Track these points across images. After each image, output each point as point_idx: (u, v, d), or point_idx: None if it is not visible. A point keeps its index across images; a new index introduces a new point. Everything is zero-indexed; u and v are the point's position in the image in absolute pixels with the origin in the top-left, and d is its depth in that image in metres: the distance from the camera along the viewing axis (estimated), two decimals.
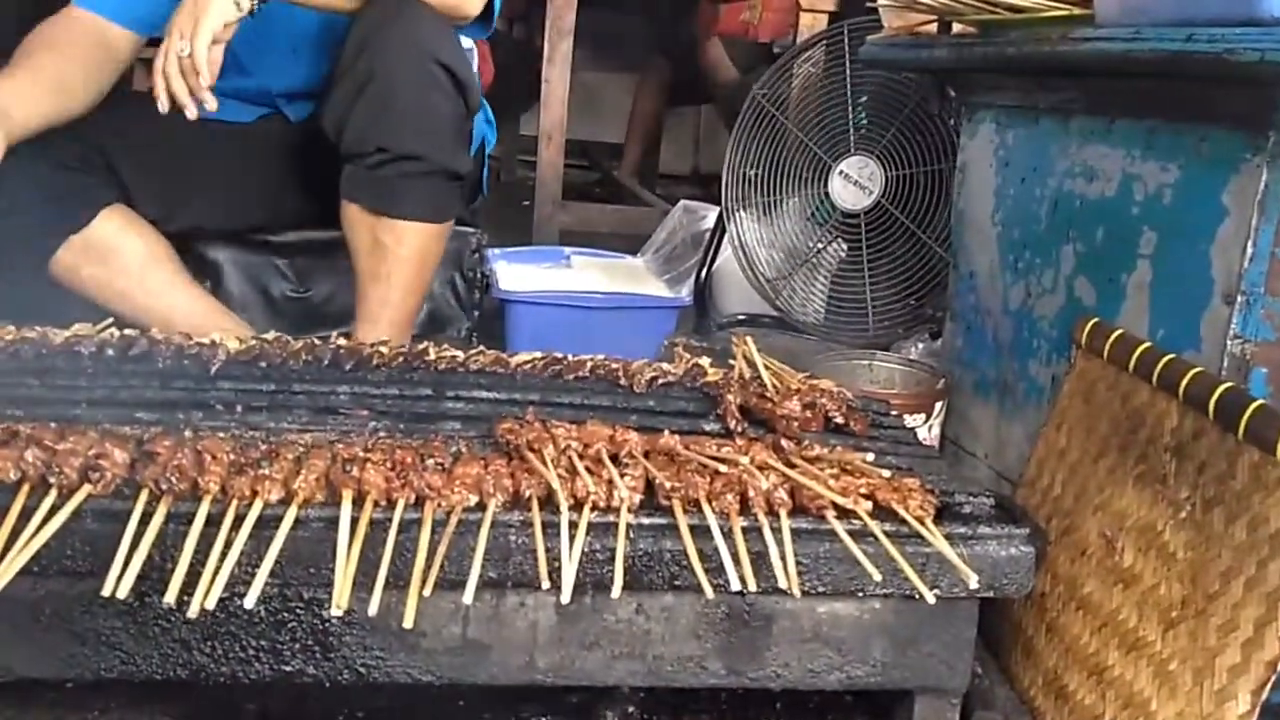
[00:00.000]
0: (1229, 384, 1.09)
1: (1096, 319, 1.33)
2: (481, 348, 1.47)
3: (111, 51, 1.75)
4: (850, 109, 2.27)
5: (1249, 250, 1.16)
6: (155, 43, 1.64)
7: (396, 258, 1.68)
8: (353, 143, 1.64)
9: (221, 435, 1.11)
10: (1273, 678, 0.94)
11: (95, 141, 1.74)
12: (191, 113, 1.54)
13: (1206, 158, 1.23)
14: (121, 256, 1.73)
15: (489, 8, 1.75)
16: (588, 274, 2.48)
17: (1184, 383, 1.12)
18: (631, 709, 1.17)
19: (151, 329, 1.42)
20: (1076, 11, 1.40)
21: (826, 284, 2.37)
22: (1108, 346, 1.27)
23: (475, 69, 2.04)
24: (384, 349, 1.40)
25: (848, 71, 2.27)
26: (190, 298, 1.80)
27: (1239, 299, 1.17)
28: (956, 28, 1.75)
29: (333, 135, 1.66)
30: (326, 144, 1.70)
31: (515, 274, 2.38)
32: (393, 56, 1.59)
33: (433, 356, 1.41)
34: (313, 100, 1.82)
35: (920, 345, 2.10)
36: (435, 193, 1.69)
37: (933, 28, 1.81)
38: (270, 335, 1.44)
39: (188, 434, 1.09)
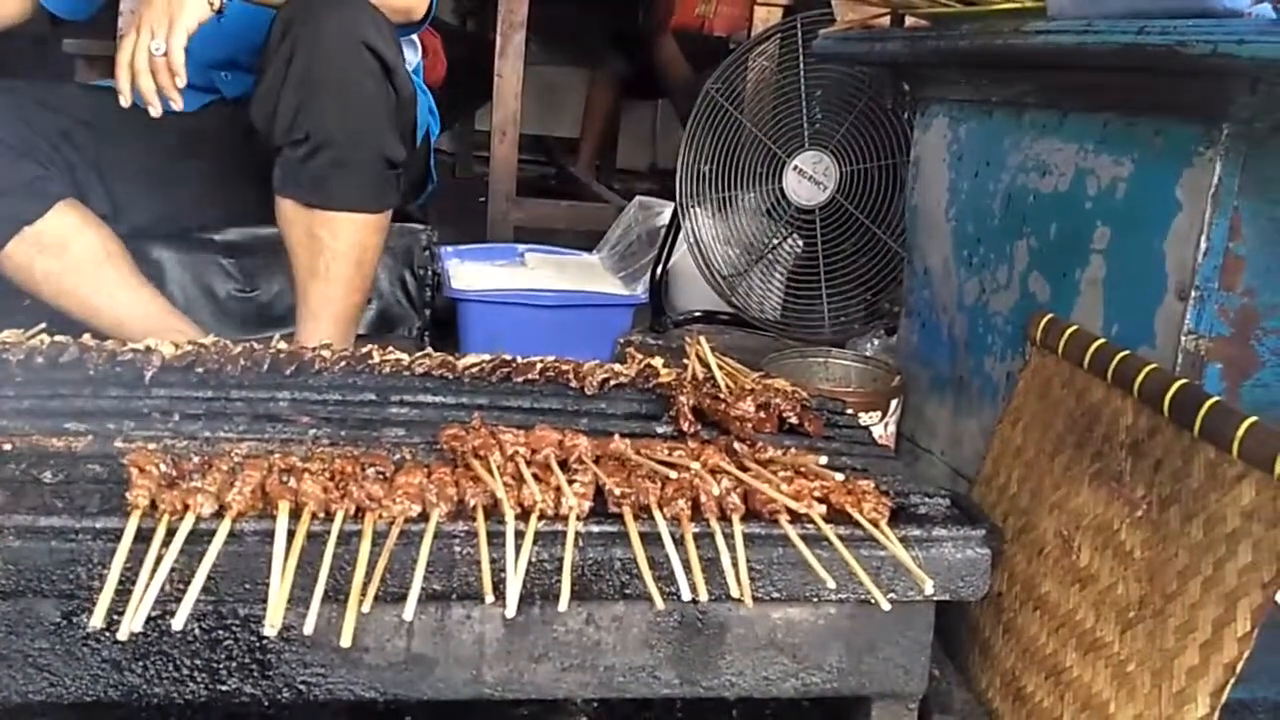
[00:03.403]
0: (1184, 380, 1.07)
1: (1051, 315, 1.32)
2: (428, 350, 1.44)
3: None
4: (804, 104, 2.25)
5: (1202, 245, 1.15)
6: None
7: (334, 252, 1.64)
8: (281, 131, 1.60)
9: (153, 446, 1.07)
10: (1231, 680, 0.93)
11: (46, 135, 1.72)
12: (157, 110, 1.52)
13: (1159, 151, 1.22)
14: (76, 252, 1.70)
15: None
16: (542, 272, 2.45)
17: (1139, 379, 1.11)
18: None
19: (86, 334, 1.38)
20: (1029, 4, 1.38)
21: (783, 280, 2.35)
22: (1062, 343, 1.26)
23: (419, 59, 2.01)
24: (326, 353, 1.36)
25: (801, 66, 2.25)
26: (143, 298, 1.77)
27: (1193, 294, 1.16)
28: (909, 21, 1.73)
29: (262, 127, 1.62)
30: None
31: (468, 272, 2.34)
32: (317, 39, 1.56)
33: (377, 360, 1.37)
34: (248, 73, 1.78)
35: (876, 341, 2.08)
36: (369, 182, 1.66)
37: (885, 21, 1.79)
38: (209, 339, 1.39)
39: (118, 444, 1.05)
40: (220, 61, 1.85)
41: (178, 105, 1.52)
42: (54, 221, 1.68)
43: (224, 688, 0.99)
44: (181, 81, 1.50)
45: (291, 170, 1.63)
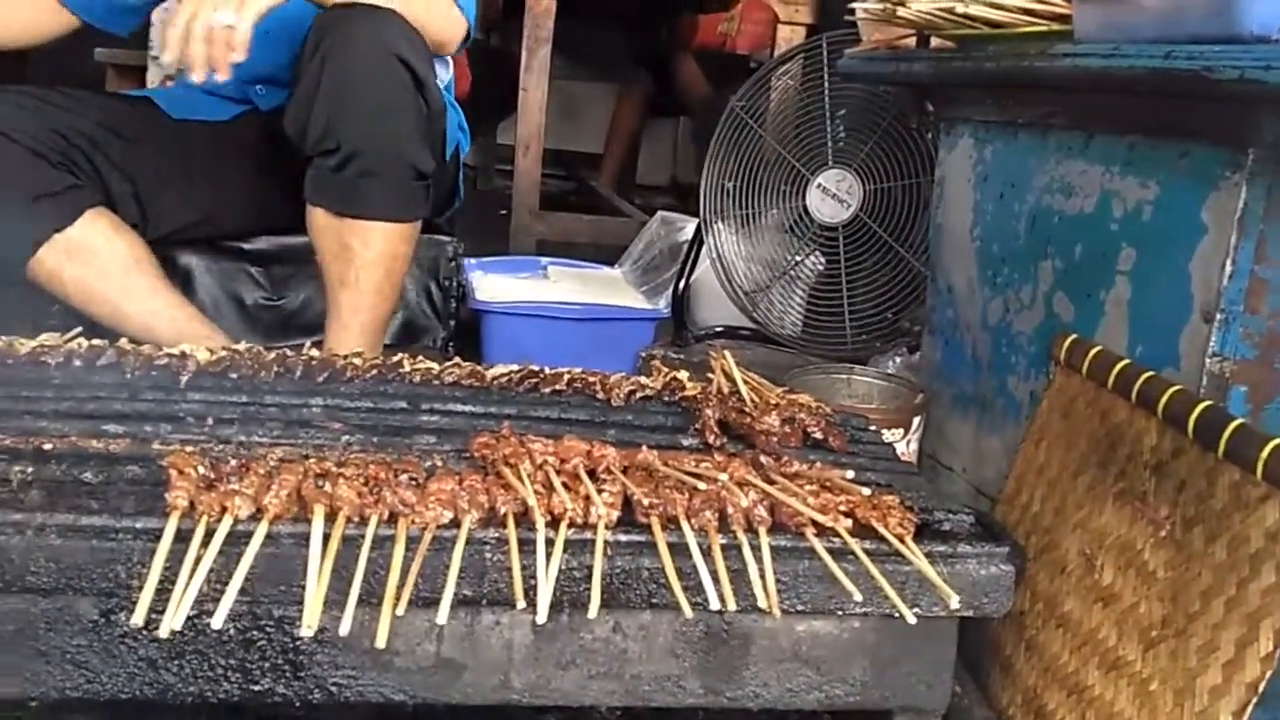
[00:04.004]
0: (1208, 402, 1.08)
1: (1075, 335, 1.33)
2: (457, 360, 1.45)
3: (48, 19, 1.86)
4: (828, 122, 2.27)
5: (1228, 268, 1.16)
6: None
7: (364, 261, 1.67)
8: (313, 141, 1.63)
9: (190, 449, 1.08)
10: (1254, 700, 0.94)
11: (77, 144, 1.75)
12: (200, 76, 1.51)
13: (1185, 174, 1.23)
14: (105, 259, 1.72)
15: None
16: (564, 285, 2.47)
17: (1163, 401, 1.12)
18: None
19: (123, 339, 1.40)
20: (1055, 27, 1.39)
21: (805, 297, 2.37)
22: (1086, 363, 1.27)
23: (451, 75, 2.04)
24: (358, 360, 1.38)
25: (826, 85, 2.27)
26: (171, 305, 1.79)
27: (1218, 317, 1.17)
28: (935, 42, 1.74)
29: (295, 137, 1.64)
30: None
31: (492, 284, 2.36)
32: (349, 50, 1.58)
33: (407, 369, 1.39)
34: (283, 88, 1.81)
35: (898, 359, 2.09)
36: (399, 191, 1.68)
37: (911, 41, 1.81)
38: (242, 346, 1.41)
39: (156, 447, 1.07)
40: (258, 76, 1.88)
41: (223, 77, 1.51)
42: (83, 228, 1.71)
43: (257, 688, 1.01)
44: (239, 57, 1.49)
45: (323, 180, 1.66)
